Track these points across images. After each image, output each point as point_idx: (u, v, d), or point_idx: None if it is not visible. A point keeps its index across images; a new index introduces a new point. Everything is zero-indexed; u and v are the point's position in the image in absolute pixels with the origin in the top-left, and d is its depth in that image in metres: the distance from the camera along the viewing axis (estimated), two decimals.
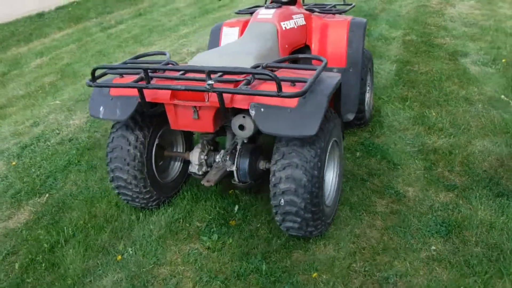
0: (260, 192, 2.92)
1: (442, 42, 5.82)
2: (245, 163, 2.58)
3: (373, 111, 4.00)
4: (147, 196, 2.71)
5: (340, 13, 3.64)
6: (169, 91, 2.30)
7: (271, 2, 3.26)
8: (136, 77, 2.36)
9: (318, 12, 3.58)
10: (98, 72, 2.33)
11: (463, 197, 2.84)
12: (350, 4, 3.91)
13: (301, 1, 3.51)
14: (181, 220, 2.75)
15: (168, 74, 2.35)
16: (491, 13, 7.14)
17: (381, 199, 2.88)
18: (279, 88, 1.98)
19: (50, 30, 8.20)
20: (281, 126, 2.12)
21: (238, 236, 2.59)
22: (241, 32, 3.36)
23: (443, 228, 2.57)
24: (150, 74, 2.22)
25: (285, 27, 2.99)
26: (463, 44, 5.67)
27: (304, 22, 3.27)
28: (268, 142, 2.82)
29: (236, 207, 2.81)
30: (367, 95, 3.73)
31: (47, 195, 3.13)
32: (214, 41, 3.45)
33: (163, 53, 2.72)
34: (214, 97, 2.20)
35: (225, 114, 2.24)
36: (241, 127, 2.31)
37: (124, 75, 2.45)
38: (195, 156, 2.70)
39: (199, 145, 2.73)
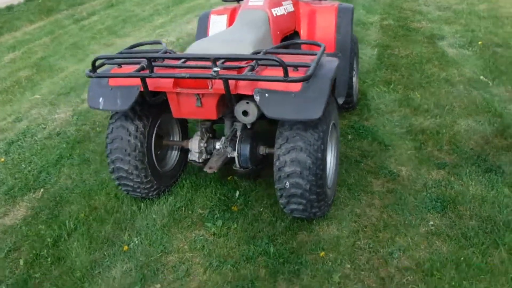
0: (258, 177, 2.96)
1: (418, 26, 5.96)
2: (246, 149, 2.61)
3: (359, 94, 4.09)
4: (148, 186, 2.71)
5: None
6: (171, 80, 2.30)
7: None
8: (135, 66, 2.35)
9: None
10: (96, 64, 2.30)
11: (454, 174, 2.96)
12: None
13: None
14: (183, 208, 2.77)
15: (169, 62, 2.34)
16: None
17: (376, 179, 2.97)
18: (286, 73, 2.02)
19: (21, 23, 7.93)
20: (286, 111, 2.16)
21: (242, 220, 2.63)
22: (229, 19, 3.37)
23: (438, 204, 2.68)
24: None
25: (276, 14, 3.01)
26: (439, 28, 5.83)
27: (293, 9, 3.31)
28: (264, 129, 2.86)
29: (237, 193, 2.84)
30: (354, 79, 3.81)
31: (42, 190, 3.08)
32: (202, 29, 3.44)
33: (159, 42, 2.70)
34: (217, 84, 2.21)
35: (230, 101, 2.26)
36: (245, 113, 2.34)
37: (122, 65, 2.43)
38: (195, 144, 2.71)
39: (199, 133, 2.74)
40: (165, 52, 2.50)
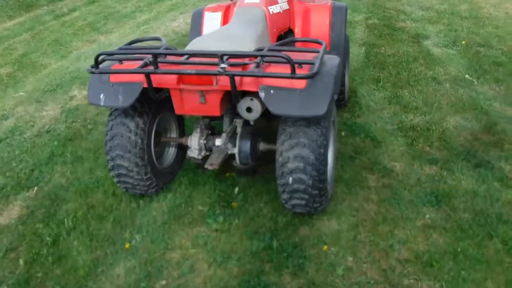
0: (256, 173, 2.99)
1: (403, 25, 6.09)
2: (247, 146, 2.63)
3: (349, 92, 4.16)
4: (148, 183, 2.70)
5: None
6: (175, 76, 2.30)
7: None
8: (136, 62, 2.33)
9: None
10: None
11: (446, 169, 3.05)
12: None
13: None
14: (183, 205, 2.77)
15: (173, 59, 2.34)
16: None
17: (371, 174, 3.03)
18: (293, 69, 2.05)
19: (0, 19, 7.73)
20: (291, 107, 2.19)
21: (243, 216, 2.65)
22: (224, 16, 3.38)
23: (433, 198, 2.76)
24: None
25: (272, 12, 3.04)
26: (423, 27, 5.96)
27: (288, 7, 3.34)
28: (262, 125, 2.88)
29: (236, 189, 2.86)
30: (346, 77, 3.87)
31: (36, 189, 3.03)
32: (196, 26, 3.44)
33: (159, 39, 2.69)
34: (223, 80, 2.23)
35: (235, 98, 2.27)
36: (249, 110, 2.36)
37: (123, 61, 2.42)
38: (195, 141, 2.71)
39: (198, 130, 2.74)
40: (166, 49, 2.49)
